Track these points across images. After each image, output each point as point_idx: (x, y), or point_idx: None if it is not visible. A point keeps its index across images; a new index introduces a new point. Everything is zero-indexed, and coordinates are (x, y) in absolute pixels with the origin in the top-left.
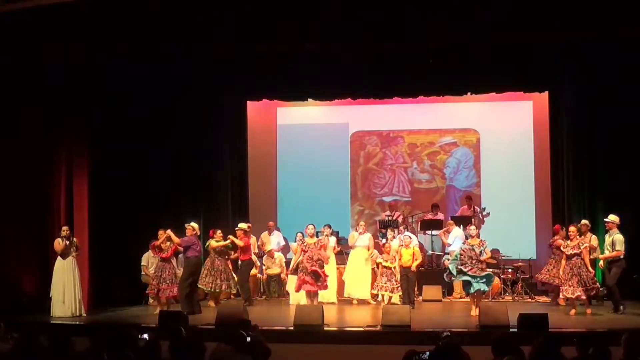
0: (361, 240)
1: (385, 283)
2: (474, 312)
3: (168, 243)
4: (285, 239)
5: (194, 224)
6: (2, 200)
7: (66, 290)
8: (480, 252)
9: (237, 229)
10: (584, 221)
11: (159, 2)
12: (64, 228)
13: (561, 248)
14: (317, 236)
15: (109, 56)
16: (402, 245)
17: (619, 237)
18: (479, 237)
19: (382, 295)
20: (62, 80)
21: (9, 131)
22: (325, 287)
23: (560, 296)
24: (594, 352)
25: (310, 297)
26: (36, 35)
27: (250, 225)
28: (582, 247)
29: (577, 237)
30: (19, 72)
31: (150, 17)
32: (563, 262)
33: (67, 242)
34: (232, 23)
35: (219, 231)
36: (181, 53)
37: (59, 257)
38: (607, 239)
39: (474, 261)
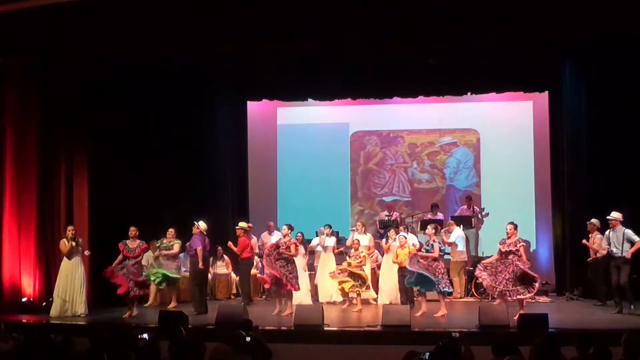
0: (362, 241)
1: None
2: (440, 312)
3: (137, 241)
4: None
5: (202, 223)
6: (2, 200)
7: (70, 290)
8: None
9: (237, 227)
10: (593, 220)
11: (159, 2)
12: (69, 228)
13: (498, 245)
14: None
15: (109, 56)
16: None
17: (630, 231)
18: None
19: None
20: (62, 80)
21: (9, 131)
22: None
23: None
24: (594, 352)
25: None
26: (36, 35)
27: (251, 225)
28: (519, 245)
29: (515, 235)
30: (19, 72)
31: (150, 17)
32: (495, 256)
33: (74, 243)
34: (232, 23)
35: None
36: (181, 53)
37: (65, 258)
38: (612, 236)
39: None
